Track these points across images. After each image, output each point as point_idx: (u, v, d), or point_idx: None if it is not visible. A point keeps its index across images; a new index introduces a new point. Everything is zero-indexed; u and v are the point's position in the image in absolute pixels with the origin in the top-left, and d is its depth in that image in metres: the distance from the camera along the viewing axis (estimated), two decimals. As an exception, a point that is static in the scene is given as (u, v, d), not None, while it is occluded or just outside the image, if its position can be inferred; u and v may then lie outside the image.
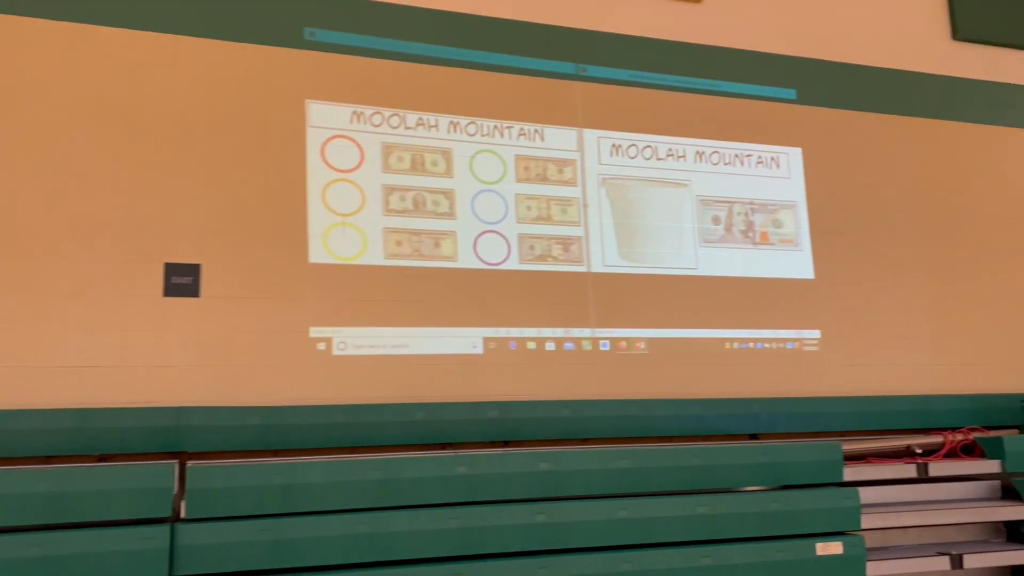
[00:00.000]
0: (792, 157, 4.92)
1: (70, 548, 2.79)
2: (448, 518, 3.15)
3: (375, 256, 4.04)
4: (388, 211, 4.11)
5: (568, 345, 4.27)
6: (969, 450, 4.26)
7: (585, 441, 4.10)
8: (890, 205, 5.04)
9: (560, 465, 3.36)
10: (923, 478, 4.00)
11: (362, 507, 3.11)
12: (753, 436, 4.41)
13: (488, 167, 4.34)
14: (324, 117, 4.10)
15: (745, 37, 4.97)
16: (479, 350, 4.12)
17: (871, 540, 3.73)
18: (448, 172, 4.26)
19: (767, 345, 4.59)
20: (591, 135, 4.55)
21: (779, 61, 5.00)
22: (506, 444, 3.97)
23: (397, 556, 3.07)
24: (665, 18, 4.83)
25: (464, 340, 4.11)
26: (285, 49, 4.11)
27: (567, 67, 4.58)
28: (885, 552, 3.79)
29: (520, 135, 4.43)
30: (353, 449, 3.74)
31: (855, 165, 5.02)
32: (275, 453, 3.65)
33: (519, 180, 4.38)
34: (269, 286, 3.85)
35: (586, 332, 4.31)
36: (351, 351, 3.91)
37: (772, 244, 4.75)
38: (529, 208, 4.37)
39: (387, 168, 4.16)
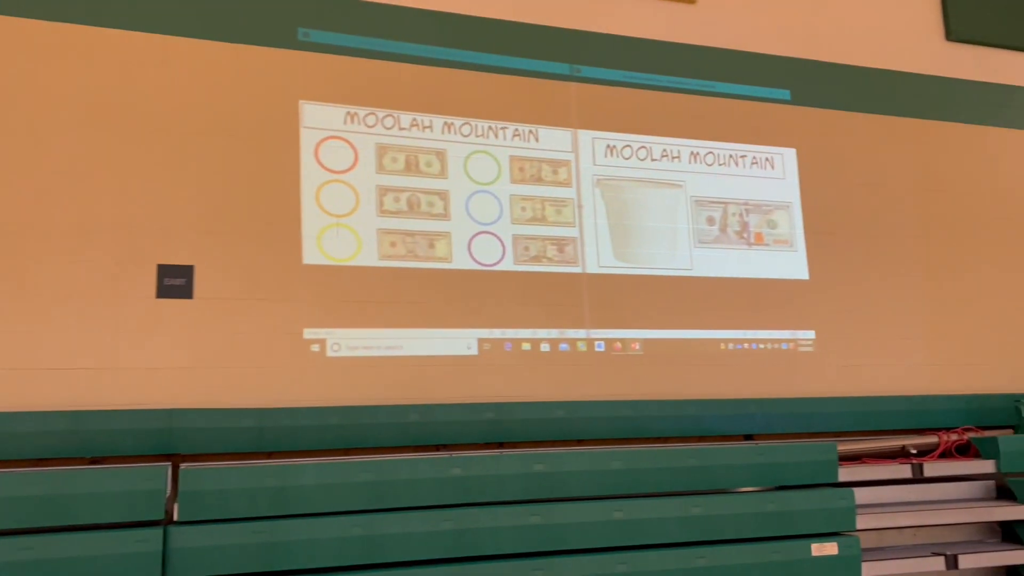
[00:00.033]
0: (786, 158, 4.92)
1: (63, 551, 2.78)
2: (442, 520, 3.14)
3: (369, 257, 4.03)
4: (382, 212, 4.10)
5: (563, 346, 4.26)
6: (964, 450, 4.26)
7: (580, 442, 4.09)
8: (884, 205, 5.04)
9: (555, 466, 3.35)
10: (918, 478, 4.00)
11: (355, 509, 3.10)
12: (748, 437, 4.40)
13: (482, 168, 4.33)
14: (318, 118, 4.09)
15: (739, 38, 4.97)
16: (474, 351, 4.11)
17: (866, 541, 3.73)
18: (442, 173, 4.25)
19: (762, 346, 4.59)
20: (585, 136, 4.55)
21: (773, 62, 5.01)
22: (501, 445, 3.96)
23: (391, 558, 3.06)
24: (659, 19, 4.83)
25: (459, 341, 4.10)
26: (278, 49, 4.09)
27: (561, 68, 4.57)
28: (880, 553, 3.79)
29: (514, 136, 4.42)
30: (347, 451, 3.73)
31: (849, 165, 5.03)
32: (269, 455, 3.63)
33: (513, 181, 4.37)
34: (263, 287, 3.83)
35: (581, 333, 4.30)
36: (345, 352, 3.89)
37: (767, 245, 4.75)
38: (524, 209, 4.36)
39: (381, 169, 4.15)
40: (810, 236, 4.84)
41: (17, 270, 3.53)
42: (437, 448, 3.87)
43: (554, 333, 4.25)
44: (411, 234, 4.13)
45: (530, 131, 4.45)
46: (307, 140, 4.05)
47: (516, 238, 4.31)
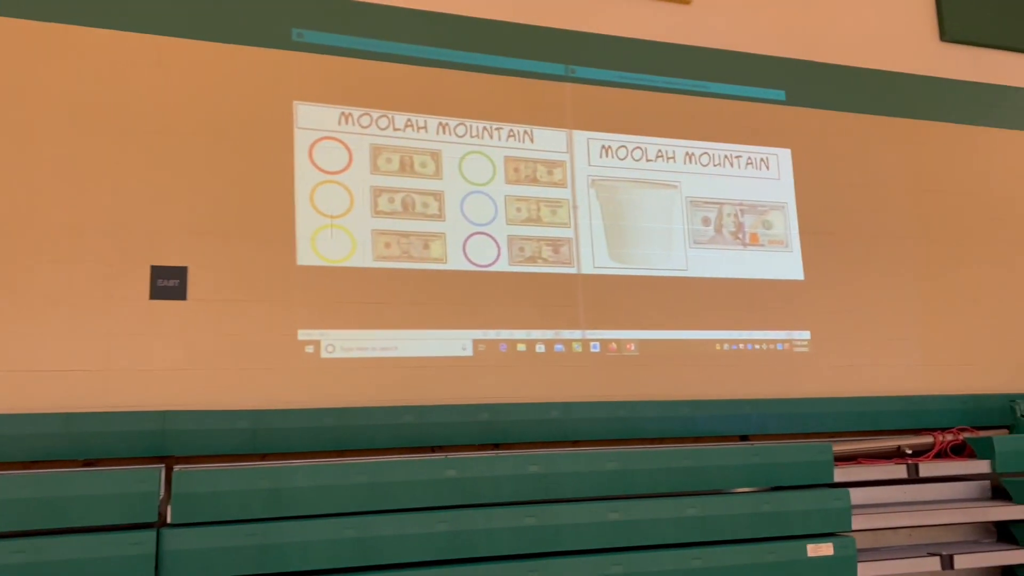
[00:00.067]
0: (781, 158, 4.92)
1: (55, 554, 2.76)
2: (437, 522, 3.14)
3: (364, 258, 4.02)
4: (377, 213, 4.09)
5: (558, 347, 4.25)
6: (959, 450, 4.26)
7: (575, 443, 4.08)
8: (879, 206, 5.04)
9: (550, 467, 3.35)
10: (913, 479, 4.00)
11: (350, 511, 3.09)
12: (744, 437, 4.40)
13: (477, 168, 4.32)
14: (312, 118, 4.08)
15: (734, 38, 4.97)
16: (469, 352, 4.10)
17: (862, 541, 3.73)
18: (437, 174, 4.24)
19: (757, 346, 4.59)
20: (581, 136, 4.54)
21: (768, 62, 5.01)
22: (496, 447, 3.95)
23: (385, 560, 3.06)
24: (654, 19, 4.82)
25: (454, 342, 4.09)
26: (272, 50, 4.08)
27: (556, 68, 4.57)
28: (876, 553, 3.79)
29: (509, 136, 4.41)
30: (342, 453, 3.72)
31: (844, 166, 5.03)
32: (263, 457, 3.62)
33: (508, 182, 4.37)
34: (257, 289, 3.82)
35: (576, 334, 4.30)
36: (340, 354, 3.88)
37: (762, 245, 4.75)
38: (519, 210, 4.36)
39: (376, 170, 4.14)
40: (805, 236, 4.84)
41: (9, 272, 3.51)
42: (432, 449, 3.86)
43: (549, 334, 4.25)
44: (406, 235, 4.12)
45: (525, 132, 4.44)
46: (301, 141, 4.04)
47: (511, 239, 4.30)
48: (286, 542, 2.97)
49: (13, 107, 3.64)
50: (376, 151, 4.16)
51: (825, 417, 4.50)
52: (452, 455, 3.53)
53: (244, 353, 3.74)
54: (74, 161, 3.68)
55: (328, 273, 3.95)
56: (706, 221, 4.68)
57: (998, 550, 3.91)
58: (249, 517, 2.98)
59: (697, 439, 4.32)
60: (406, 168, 4.19)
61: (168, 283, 3.70)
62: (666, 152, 4.68)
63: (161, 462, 3.42)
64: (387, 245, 4.07)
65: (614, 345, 4.34)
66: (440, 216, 4.20)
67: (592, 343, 4.31)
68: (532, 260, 4.31)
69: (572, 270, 4.36)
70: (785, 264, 4.77)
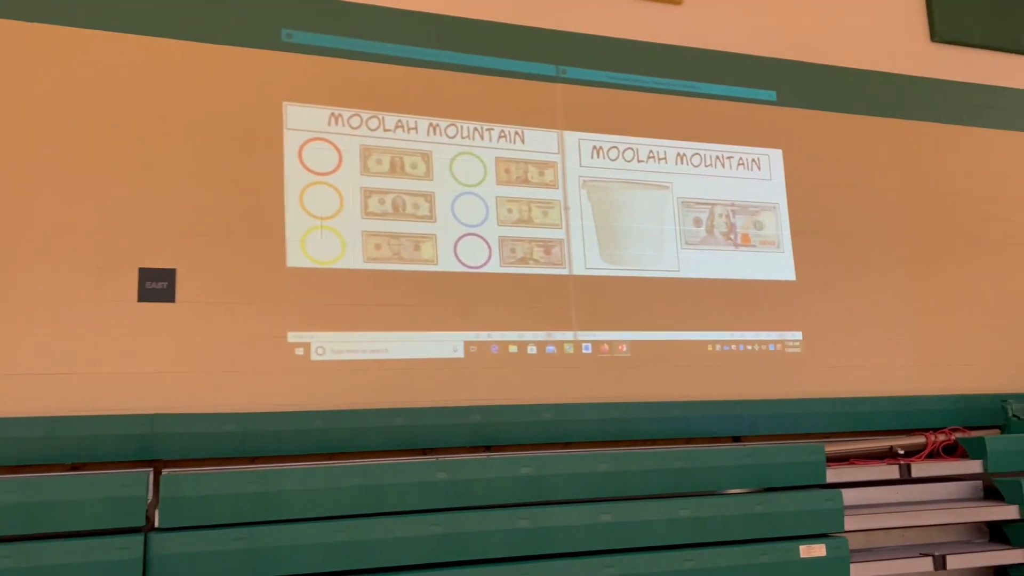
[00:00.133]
0: (773, 159, 4.92)
1: (41, 559, 2.73)
2: (429, 524, 3.11)
3: (354, 260, 4.00)
4: (367, 214, 4.07)
5: (550, 348, 4.24)
6: (951, 450, 4.26)
7: (567, 445, 4.06)
8: (870, 206, 5.05)
9: (542, 469, 3.33)
10: (906, 479, 4.00)
11: (340, 514, 3.06)
12: (736, 438, 4.39)
13: (468, 169, 4.31)
14: (301, 119, 4.06)
15: (725, 39, 4.97)
16: (460, 354, 4.08)
17: (854, 542, 3.73)
18: (428, 175, 4.22)
19: (749, 347, 4.58)
20: (572, 137, 4.53)
21: (759, 63, 5.01)
22: (488, 449, 3.94)
23: (376, 564, 3.03)
24: (645, 20, 4.82)
25: (445, 344, 4.07)
26: (262, 51, 4.06)
27: (547, 69, 4.56)
28: (869, 554, 3.78)
29: (500, 137, 4.40)
30: (332, 456, 3.70)
31: (835, 166, 5.03)
32: (252, 460, 3.59)
33: (499, 183, 4.35)
34: (246, 291, 3.79)
35: (568, 335, 4.28)
36: (330, 356, 3.86)
37: (753, 246, 4.74)
38: (510, 211, 4.34)
39: (366, 171, 4.12)
40: (796, 237, 4.84)
41: (-5, 274, 3.48)
42: (423, 452, 3.84)
43: (541, 335, 4.23)
44: (396, 236, 4.10)
45: (516, 132, 4.43)
46: (291, 142, 4.02)
47: (502, 240, 4.28)
48: (276, 546, 2.94)
49: (-1, 108, 3.61)
50: (366, 152, 4.14)
51: (817, 418, 4.50)
52: (443, 457, 3.52)
53: (233, 356, 3.71)
54: (61, 162, 3.65)
55: (318, 275, 3.92)
56: (698, 222, 4.67)
57: (990, 550, 3.91)
58: (238, 521, 2.96)
59: (689, 440, 4.31)
60: (396, 169, 4.17)
61: (156, 285, 3.67)
62: (657, 153, 4.68)
63: (149, 466, 3.40)
64: (377, 246, 4.05)
65: (606, 346, 4.33)
66: (431, 217, 4.18)
67: (584, 344, 4.30)
68: (523, 261, 4.30)
69: (564, 271, 4.35)
70: (777, 265, 4.77)
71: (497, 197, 4.33)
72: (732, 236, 4.72)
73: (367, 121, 4.17)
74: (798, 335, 4.70)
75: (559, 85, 4.56)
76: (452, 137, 4.30)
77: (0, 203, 3.54)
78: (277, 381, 3.74)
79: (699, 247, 4.64)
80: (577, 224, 4.44)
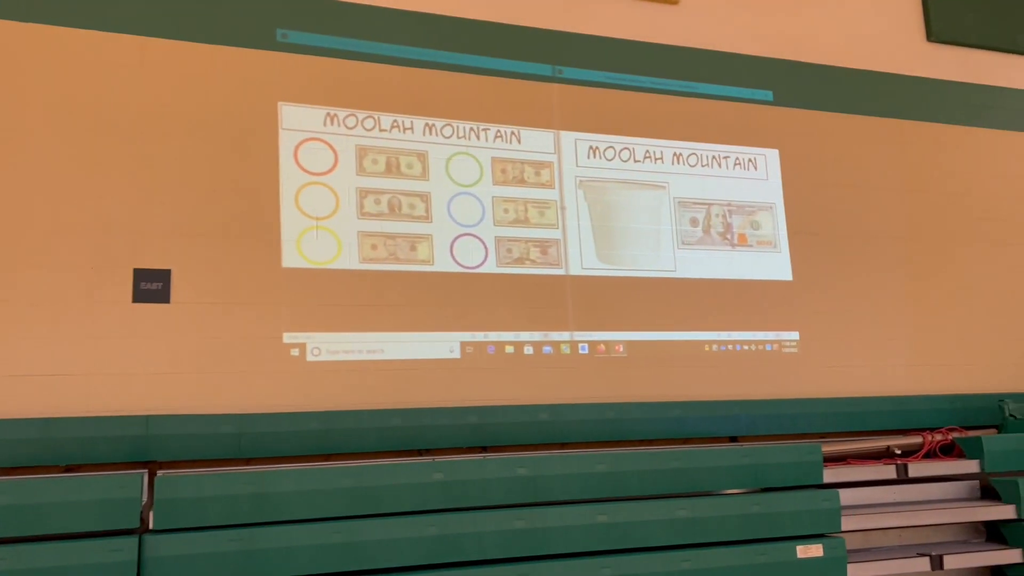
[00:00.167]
0: (769, 158, 4.91)
1: (36, 561, 2.72)
2: (425, 526, 3.10)
3: (350, 260, 3.98)
4: (363, 214, 4.06)
5: (546, 349, 4.23)
6: (948, 450, 4.25)
7: (564, 445, 4.06)
8: (867, 206, 5.04)
9: (538, 470, 3.32)
10: (903, 479, 3.99)
11: (336, 515, 3.05)
12: (733, 438, 4.39)
13: (464, 169, 4.30)
14: (297, 119, 4.05)
15: (722, 39, 4.96)
16: (456, 354, 4.07)
17: (852, 542, 3.72)
18: (424, 175, 4.21)
19: (746, 347, 4.58)
20: (568, 137, 4.52)
21: (756, 63, 5.00)
22: (484, 450, 3.92)
23: (373, 565, 3.02)
24: (641, 20, 4.81)
25: (441, 344, 4.06)
26: (257, 51, 4.05)
27: (543, 69, 4.55)
28: (866, 554, 3.77)
29: (496, 137, 4.39)
30: (328, 457, 3.69)
31: (832, 166, 5.03)
32: (248, 462, 3.58)
33: (496, 183, 4.34)
34: (241, 291, 3.78)
35: (564, 335, 4.27)
36: (325, 357, 3.85)
37: (750, 246, 4.74)
38: (506, 211, 4.33)
39: (361, 171, 4.10)
40: (793, 237, 4.84)
41: (-11, 275, 3.46)
42: (419, 453, 3.83)
43: (537, 336, 4.22)
44: (392, 236, 4.08)
45: (512, 132, 4.42)
46: (286, 142, 4.01)
47: (499, 240, 4.27)
48: (271, 547, 2.92)
49: (-7, 108, 3.60)
50: (362, 152, 4.13)
51: (814, 418, 4.50)
52: (440, 458, 3.50)
53: (228, 356, 3.70)
54: (55, 162, 3.63)
55: (314, 275, 3.91)
56: (694, 222, 4.66)
57: (987, 550, 3.90)
58: (233, 522, 2.94)
59: (686, 440, 4.30)
60: (392, 169, 4.16)
61: (151, 286, 3.65)
62: (654, 153, 4.67)
63: (144, 467, 3.39)
64: (373, 247, 4.04)
65: (602, 347, 4.32)
66: (427, 217, 4.17)
67: (580, 345, 4.29)
68: (520, 261, 4.29)
69: (560, 271, 4.34)
70: (773, 265, 4.76)
71: (493, 197, 4.32)
72: (729, 236, 4.71)
73: (363, 121, 4.16)
74: (795, 335, 4.70)
75: (555, 85, 4.56)
76: (448, 137, 4.29)
77: (-6, 204, 3.52)
78: (272, 382, 3.73)
79: (696, 247, 4.63)
80: (573, 224, 4.43)
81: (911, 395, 4.76)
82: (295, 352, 3.80)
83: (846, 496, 3.70)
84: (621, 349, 4.35)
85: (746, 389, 4.49)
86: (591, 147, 4.56)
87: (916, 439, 4.29)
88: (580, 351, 4.28)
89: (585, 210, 4.47)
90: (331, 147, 4.08)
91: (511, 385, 4.10)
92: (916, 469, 4.00)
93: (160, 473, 3.10)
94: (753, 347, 4.59)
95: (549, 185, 4.44)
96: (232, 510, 2.95)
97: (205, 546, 2.86)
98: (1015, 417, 4.51)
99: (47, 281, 3.52)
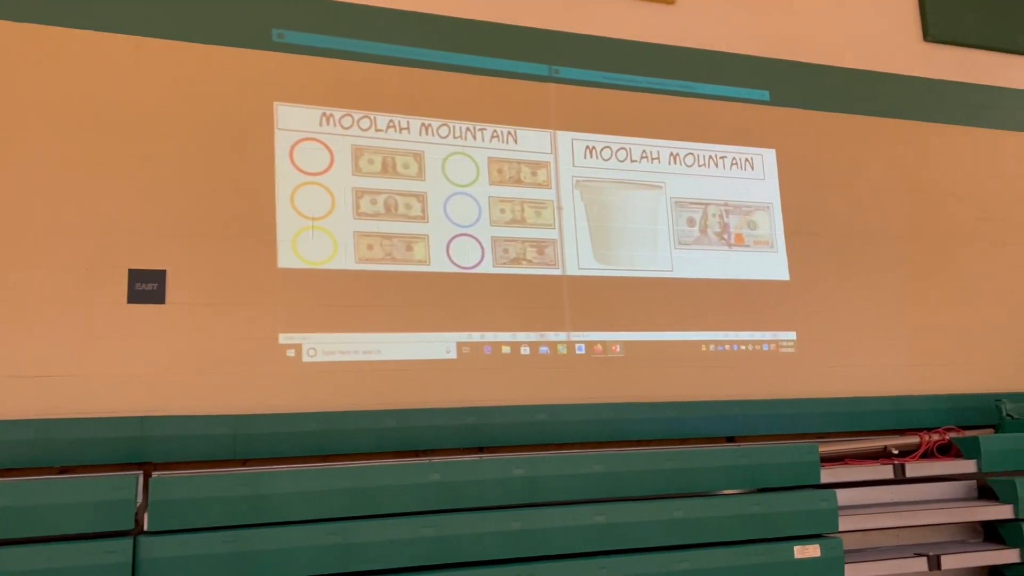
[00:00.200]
0: (766, 158, 4.91)
1: (30, 563, 2.70)
2: (421, 527, 3.09)
3: (346, 260, 3.97)
4: (359, 215, 4.05)
5: (543, 349, 4.22)
6: (945, 450, 4.25)
7: (561, 446, 4.05)
8: (864, 206, 5.04)
9: (535, 471, 3.31)
10: (900, 479, 3.98)
11: (332, 517, 3.04)
12: (730, 439, 4.38)
13: (461, 170, 4.29)
14: (293, 119, 4.04)
15: (718, 39, 4.96)
16: (453, 355, 4.06)
17: (849, 542, 3.71)
18: (420, 175, 4.20)
19: (743, 347, 4.57)
20: (565, 137, 4.52)
21: (752, 63, 5.00)
22: (481, 450, 3.91)
23: (369, 567, 3.01)
24: (638, 20, 4.81)
25: (437, 345, 4.05)
26: (252, 51, 4.03)
27: (540, 69, 4.54)
28: (863, 554, 3.77)
29: (493, 137, 4.38)
30: (324, 458, 3.67)
31: (829, 166, 5.02)
32: (243, 463, 3.57)
33: (492, 183, 4.33)
34: (237, 292, 3.77)
35: (561, 336, 4.26)
36: (321, 358, 3.83)
37: (747, 246, 4.73)
38: (503, 211, 4.32)
39: (357, 171, 4.09)
40: (790, 237, 4.83)
41: (-17, 275, 3.45)
42: (416, 454, 3.82)
43: (534, 336, 4.21)
44: (388, 237, 4.07)
45: (508, 132, 4.41)
46: (282, 142, 4.00)
47: (495, 240, 4.27)
48: (267, 549, 2.91)
49: (-13, 108, 3.58)
50: (358, 152, 4.11)
51: (811, 418, 4.49)
52: (436, 459, 3.49)
53: (224, 357, 3.68)
54: (50, 162, 3.62)
55: (309, 275, 3.90)
56: (691, 222, 4.66)
57: (985, 550, 3.90)
58: (229, 524, 2.92)
59: (683, 441, 4.30)
60: (388, 169, 4.15)
61: (146, 287, 3.64)
62: (650, 153, 4.66)
63: (139, 469, 3.37)
64: (369, 247, 4.03)
65: (599, 347, 4.31)
66: (423, 217, 4.16)
67: (577, 345, 4.28)
68: (516, 262, 4.28)
69: (557, 272, 4.33)
70: (770, 264, 4.76)
71: (490, 197, 4.31)
72: (726, 236, 4.71)
73: (359, 121, 4.14)
74: (792, 335, 4.69)
75: (552, 85, 4.55)
76: (444, 137, 4.28)
77: (-12, 204, 3.51)
78: (268, 383, 3.72)
79: (692, 247, 4.62)
80: (570, 224, 4.42)
81: (908, 395, 4.76)
82: (291, 353, 3.79)
83: (843, 496, 3.69)
84: (618, 349, 4.34)
85: (743, 389, 4.48)
86: (588, 147, 4.55)
87: (913, 439, 4.28)
88: (577, 351, 4.27)
89: (582, 210, 4.46)
90: (327, 147, 4.07)
91: (508, 386, 4.09)
92: (913, 469, 4.00)
93: (155, 474, 3.09)
94: (750, 347, 4.59)
95: (546, 185, 4.43)
96: (227, 511, 2.93)
97: (200, 548, 2.85)
98: (1012, 417, 4.51)
99: (42, 281, 3.50)
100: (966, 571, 4.00)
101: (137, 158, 3.74)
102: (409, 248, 4.09)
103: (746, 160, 4.86)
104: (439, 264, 4.13)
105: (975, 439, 4.08)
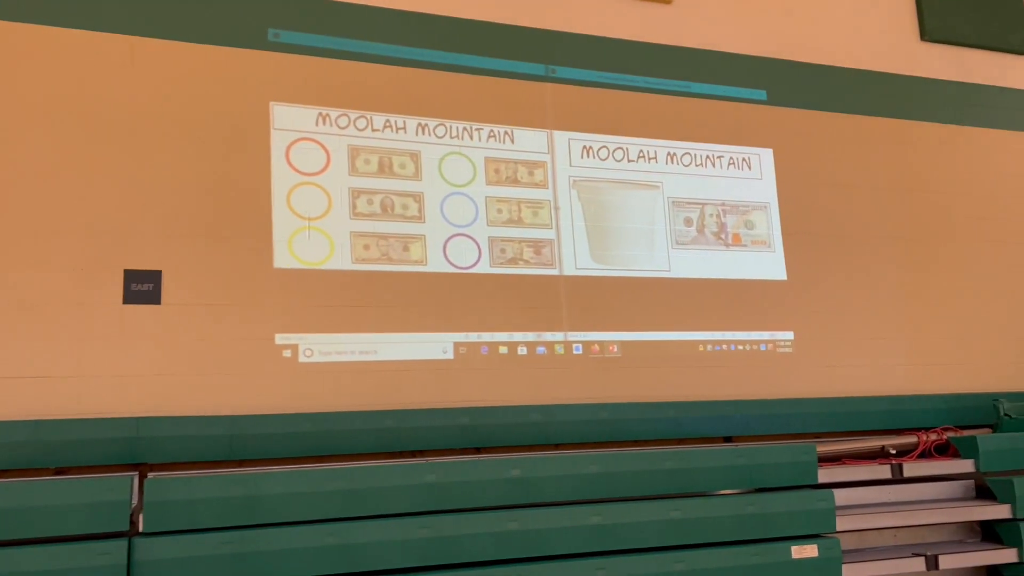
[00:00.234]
0: (763, 158, 4.90)
1: (24, 565, 2.69)
2: (417, 527, 3.08)
3: (342, 260, 3.96)
4: (355, 215, 4.04)
5: (540, 349, 4.21)
6: (943, 450, 4.25)
7: (558, 446, 4.04)
8: (861, 205, 5.04)
9: (532, 471, 3.30)
10: (898, 479, 3.98)
11: (328, 518, 3.03)
12: (727, 439, 4.37)
13: (457, 169, 4.28)
14: (289, 119, 4.03)
15: (715, 38, 4.95)
16: (449, 355, 4.05)
17: (846, 542, 3.71)
18: (416, 175, 4.19)
19: (741, 347, 4.57)
20: (561, 137, 4.51)
21: (749, 62, 4.99)
22: (478, 451, 3.91)
23: (365, 567, 3.00)
24: (635, 19, 4.80)
25: (434, 345, 4.04)
26: (248, 50, 4.03)
27: (536, 68, 4.53)
28: (861, 554, 3.76)
29: (490, 137, 4.37)
30: (321, 459, 3.67)
31: (826, 165, 5.02)
32: (240, 464, 3.56)
33: (489, 183, 4.33)
34: (233, 292, 3.76)
35: (558, 336, 4.26)
36: (318, 358, 3.82)
37: (744, 245, 4.73)
38: (500, 211, 4.31)
39: (354, 171, 4.08)
40: (788, 236, 4.83)
41: (-22, 276, 3.44)
42: (412, 454, 3.81)
43: (531, 336, 4.20)
44: (385, 237, 4.07)
45: (505, 132, 4.41)
46: (278, 142, 3.99)
47: (492, 240, 4.26)
48: (263, 550, 2.90)
49: (-19, 108, 3.57)
50: (354, 152, 4.11)
51: (809, 418, 4.49)
52: (433, 459, 3.48)
53: (220, 358, 3.67)
54: (46, 162, 3.61)
55: (306, 276, 3.89)
56: (688, 221, 4.65)
57: (983, 550, 3.89)
58: (224, 525, 2.92)
59: (680, 441, 4.29)
60: (385, 169, 4.14)
61: (142, 287, 3.63)
62: (648, 152, 4.66)
63: (135, 470, 3.36)
64: (366, 247, 4.02)
65: (597, 347, 4.30)
66: (420, 218, 4.15)
67: (574, 345, 4.27)
68: (513, 262, 4.27)
69: (554, 271, 4.33)
70: (768, 264, 4.75)
71: (487, 197, 4.30)
72: (723, 236, 4.70)
73: (355, 121, 4.14)
74: (789, 335, 4.69)
75: (548, 85, 4.54)
76: (441, 137, 4.28)
77: (-17, 204, 3.50)
78: (264, 383, 3.71)
79: (690, 247, 4.62)
80: (567, 224, 4.41)
81: (906, 395, 4.75)
82: (287, 353, 3.78)
83: (841, 496, 3.69)
84: (615, 349, 4.33)
85: (741, 389, 4.48)
86: (584, 147, 4.55)
87: (911, 439, 4.28)
88: (574, 351, 4.26)
89: (579, 210, 4.46)
90: (323, 147, 4.06)
91: (505, 386, 4.08)
92: (911, 469, 4.00)
93: (151, 475, 3.08)
94: (748, 347, 4.58)
95: (543, 185, 4.42)
96: (223, 512, 2.93)
97: (196, 549, 2.84)
98: (1010, 416, 4.50)
99: (37, 282, 3.49)
100: (964, 571, 4.00)
101: (133, 158, 3.73)
102: (406, 248, 4.09)
103: (743, 160, 4.85)
104: (436, 264, 4.12)
105: (973, 439, 4.08)
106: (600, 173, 4.54)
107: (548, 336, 4.23)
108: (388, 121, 4.19)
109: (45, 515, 2.76)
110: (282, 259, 3.86)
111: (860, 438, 4.34)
